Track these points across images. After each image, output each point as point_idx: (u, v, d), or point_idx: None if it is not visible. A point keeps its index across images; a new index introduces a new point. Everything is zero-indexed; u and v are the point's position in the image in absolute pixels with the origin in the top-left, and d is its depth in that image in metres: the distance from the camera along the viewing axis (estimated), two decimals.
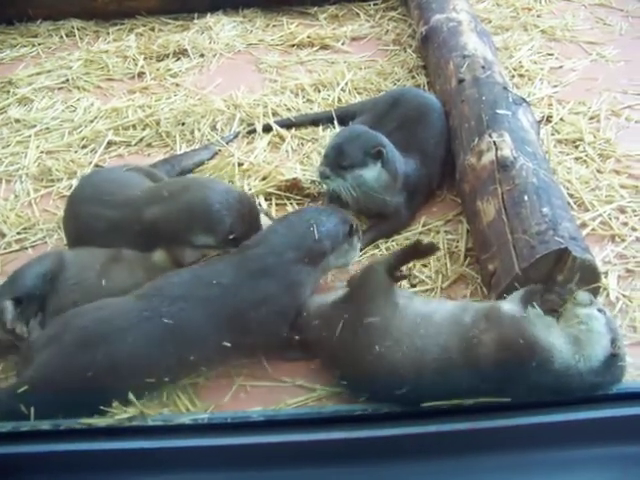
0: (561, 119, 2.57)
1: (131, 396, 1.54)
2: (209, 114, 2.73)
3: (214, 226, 1.84)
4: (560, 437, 1.39)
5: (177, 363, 1.61)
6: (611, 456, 1.38)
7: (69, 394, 1.53)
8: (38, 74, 3.12)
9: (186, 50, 3.22)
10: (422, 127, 2.28)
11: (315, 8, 3.53)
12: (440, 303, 1.68)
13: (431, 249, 1.69)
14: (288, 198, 2.27)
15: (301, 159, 2.46)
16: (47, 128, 2.73)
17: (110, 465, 1.42)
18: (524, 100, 2.33)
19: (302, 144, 2.57)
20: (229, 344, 1.61)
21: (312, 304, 1.73)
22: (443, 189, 2.30)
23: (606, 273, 1.90)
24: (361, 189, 2.06)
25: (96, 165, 2.50)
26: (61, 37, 3.43)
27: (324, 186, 2.18)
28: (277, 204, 2.25)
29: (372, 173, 2.05)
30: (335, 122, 2.60)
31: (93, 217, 1.93)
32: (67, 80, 3.06)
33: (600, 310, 1.54)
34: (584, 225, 2.07)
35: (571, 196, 2.18)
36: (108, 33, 3.44)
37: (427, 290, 1.91)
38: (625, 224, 2.09)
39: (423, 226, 2.16)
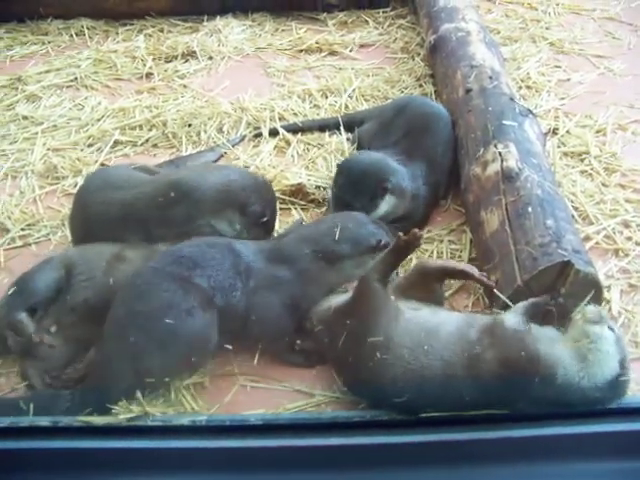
0: (567, 132, 2.57)
1: (139, 394, 1.54)
2: (216, 116, 2.74)
3: (250, 208, 1.91)
4: (560, 450, 1.39)
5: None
6: (611, 471, 1.37)
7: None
8: (47, 72, 3.14)
9: (195, 52, 3.23)
10: (428, 136, 2.28)
11: (324, 14, 3.54)
12: (441, 314, 1.65)
13: (415, 239, 1.57)
14: (292, 203, 2.27)
15: (306, 164, 2.46)
16: (54, 126, 2.75)
17: (106, 464, 1.42)
18: (530, 112, 2.33)
19: (308, 149, 2.57)
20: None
21: (318, 308, 1.73)
22: (448, 199, 2.30)
23: (609, 287, 1.89)
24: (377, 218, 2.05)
25: (102, 164, 2.51)
26: (71, 36, 3.45)
27: (329, 192, 2.17)
28: (281, 209, 2.22)
29: (383, 207, 2.06)
30: (342, 128, 2.61)
31: (104, 204, 1.91)
32: (75, 79, 3.07)
33: (610, 328, 1.49)
34: (588, 238, 2.06)
35: (575, 209, 2.18)
36: (117, 33, 3.46)
37: None
38: (629, 238, 2.08)
39: (427, 234, 2.14)
